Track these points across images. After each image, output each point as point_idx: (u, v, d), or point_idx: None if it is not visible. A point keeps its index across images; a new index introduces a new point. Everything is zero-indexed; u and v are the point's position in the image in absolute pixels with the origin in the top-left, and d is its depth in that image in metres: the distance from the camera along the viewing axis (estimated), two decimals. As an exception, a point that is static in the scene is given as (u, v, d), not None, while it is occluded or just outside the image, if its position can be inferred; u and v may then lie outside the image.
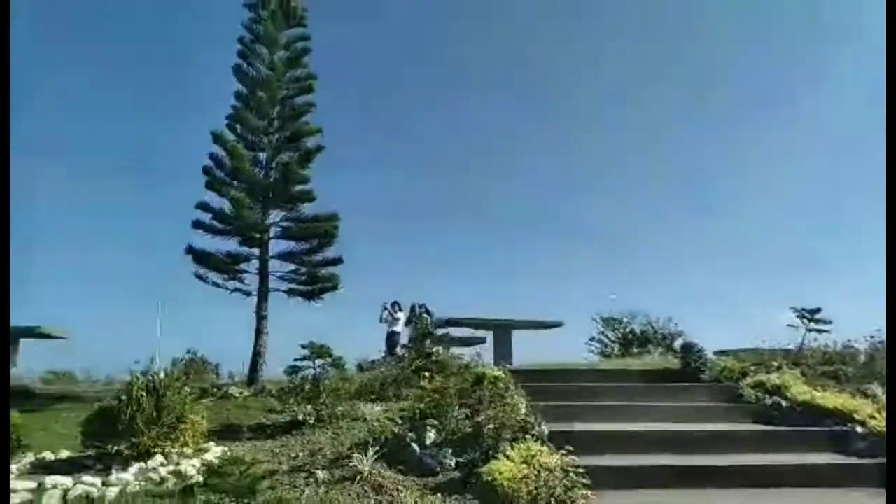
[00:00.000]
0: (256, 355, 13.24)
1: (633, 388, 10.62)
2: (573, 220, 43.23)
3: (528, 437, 7.10)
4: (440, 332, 12.21)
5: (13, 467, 7.42)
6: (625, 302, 25.87)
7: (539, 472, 6.04)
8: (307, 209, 14.18)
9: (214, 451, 7.90)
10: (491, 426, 7.11)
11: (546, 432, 7.64)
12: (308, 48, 14.86)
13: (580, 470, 5.97)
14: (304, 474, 6.87)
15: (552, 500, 5.59)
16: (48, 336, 16.46)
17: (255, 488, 5.60)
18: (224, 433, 8.96)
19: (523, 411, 7.78)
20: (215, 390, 11.79)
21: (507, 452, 6.58)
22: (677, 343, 17.99)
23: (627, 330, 23.42)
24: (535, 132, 46.99)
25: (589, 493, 5.83)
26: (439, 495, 6.34)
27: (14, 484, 6.61)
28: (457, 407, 7.80)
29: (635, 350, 21.46)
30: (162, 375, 7.99)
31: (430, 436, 7.39)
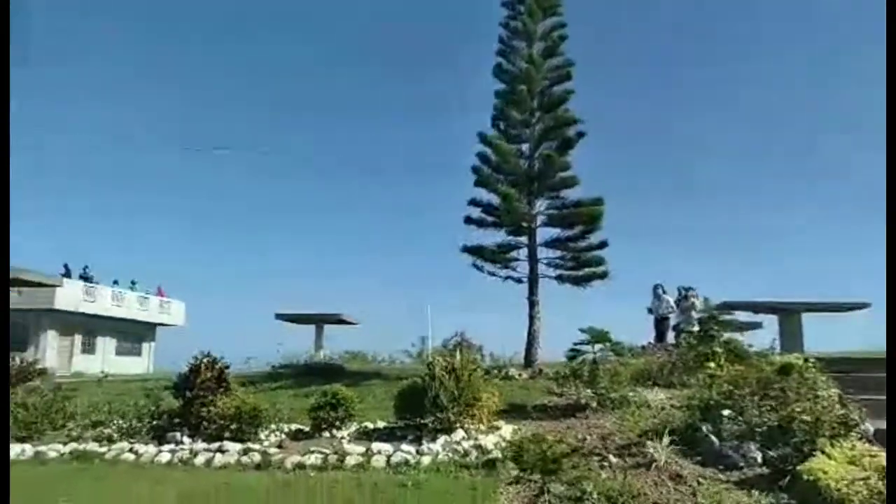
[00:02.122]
0: (531, 339, 13.74)
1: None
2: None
3: (850, 434, 6.27)
4: (725, 316, 11.32)
5: (345, 433, 8.82)
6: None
7: (870, 475, 5.30)
8: (571, 195, 14.29)
9: (506, 429, 8.42)
10: (804, 420, 6.39)
11: (871, 430, 6.68)
12: (564, 36, 14.91)
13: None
14: (596, 458, 6.94)
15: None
16: (346, 322, 19.25)
17: (557, 467, 5.83)
18: (510, 413, 9.45)
19: (839, 405, 6.86)
20: (495, 371, 12.52)
21: (827, 450, 5.89)
22: None
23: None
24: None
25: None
26: (747, 491, 5.91)
27: (347, 447, 7.85)
28: (757, 398, 7.17)
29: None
30: (458, 357, 8.75)
31: (729, 427, 6.91)
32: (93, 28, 65.39)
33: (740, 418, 6.99)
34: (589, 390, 9.31)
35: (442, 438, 7.90)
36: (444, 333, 15.24)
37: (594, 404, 9.06)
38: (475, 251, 14.47)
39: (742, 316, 14.52)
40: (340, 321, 19.44)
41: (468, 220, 14.60)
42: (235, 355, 12.35)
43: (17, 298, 26.36)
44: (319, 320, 19.65)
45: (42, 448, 8.63)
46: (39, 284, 25.59)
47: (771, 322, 14.16)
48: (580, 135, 14.26)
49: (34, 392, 10.45)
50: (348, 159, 79.31)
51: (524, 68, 14.74)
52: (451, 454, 7.47)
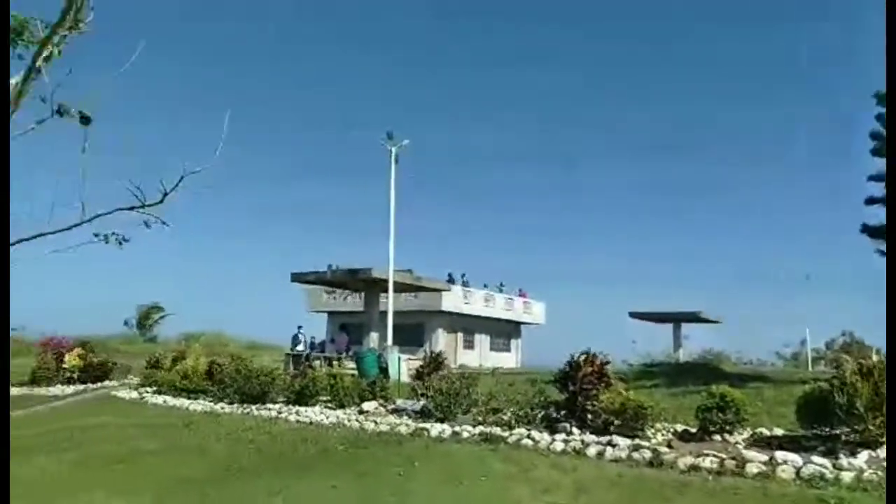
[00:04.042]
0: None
1: None
2: None
3: None
4: None
5: (738, 438, 8.29)
6: None
7: None
8: None
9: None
10: None
11: None
12: None
13: None
14: None
15: None
16: (705, 321, 18.06)
17: None
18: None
19: None
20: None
21: None
22: None
23: None
24: None
25: None
26: None
27: (746, 454, 7.34)
28: None
29: None
30: (874, 358, 7.47)
31: None
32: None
33: None
34: None
35: (864, 453, 6.82)
36: (822, 335, 13.20)
37: None
38: (875, 232, 12.19)
39: None
40: (699, 319, 18.43)
41: (870, 200, 12.36)
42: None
43: (415, 301, 31.69)
44: (678, 318, 18.88)
45: (457, 428, 10.13)
46: (433, 289, 30.41)
47: None
48: None
49: (444, 379, 12.35)
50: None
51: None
52: (878, 472, 6.40)
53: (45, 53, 2.75)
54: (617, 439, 8.36)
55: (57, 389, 18.90)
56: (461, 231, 79.60)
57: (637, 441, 8.23)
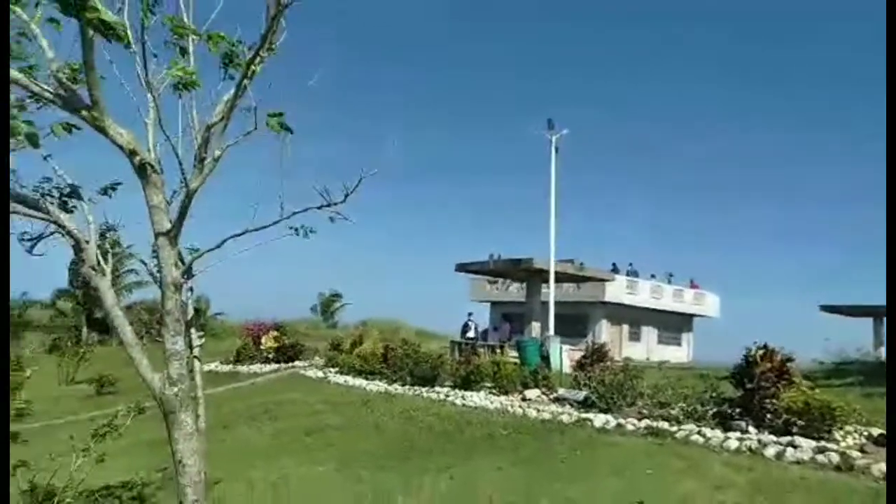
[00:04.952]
0: None
1: None
2: None
3: None
4: None
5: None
6: None
7: None
8: None
9: None
10: None
11: None
12: None
13: None
14: None
15: None
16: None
17: None
18: None
19: None
20: None
21: None
22: None
23: None
24: None
25: None
26: None
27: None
28: None
29: None
30: None
31: None
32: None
33: None
34: None
35: None
36: None
37: None
38: None
39: None
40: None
41: None
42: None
43: (577, 292, 31.28)
44: (878, 313, 16.70)
45: (621, 420, 9.96)
46: (596, 280, 29.83)
47: None
48: None
49: (607, 371, 12.17)
50: None
51: None
52: None
53: (249, 72, 3.23)
54: (799, 440, 7.72)
55: (256, 367, 21.36)
56: (635, 222, 76.89)
57: (823, 443, 7.54)
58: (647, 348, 33.93)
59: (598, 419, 10.16)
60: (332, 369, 18.98)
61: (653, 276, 35.35)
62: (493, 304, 36.16)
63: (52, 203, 3.60)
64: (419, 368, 15.19)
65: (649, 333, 35.32)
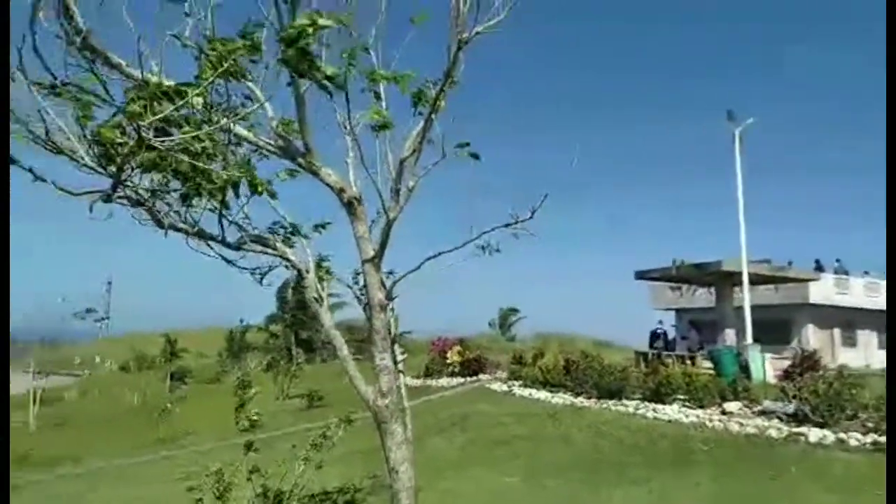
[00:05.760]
0: None
1: None
2: None
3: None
4: None
5: None
6: None
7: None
8: None
9: None
10: None
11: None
12: None
13: None
14: None
15: None
16: None
17: None
18: None
19: None
20: None
21: None
22: None
23: None
24: None
25: None
26: None
27: None
28: None
29: None
30: None
31: None
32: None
33: None
34: None
35: None
36: None
37: None
38: None
39: None
40: None
41: None
42: None
43: (776, 294, 28.53)
44: None
45: (842, 435, 8.93)
46: (797, 280, 27.01)
47: None
48: None
49: (820, 380, 10.96)
50: None
51: None
52: None
53: (435, 107, 3.53)
54: None
55: (444, 381, 22.27)
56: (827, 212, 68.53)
57: None
58: (865, 354, 29.86)
59: (813, 433, 9.21)
60: (515, 382, 19.20)
61: (866, 272, 31.19)
62: (678, 311, 34.16)
63: (278, 240, 4.17)
64: (603, 381, 14.84)
65: (867, 337, 31.09)
